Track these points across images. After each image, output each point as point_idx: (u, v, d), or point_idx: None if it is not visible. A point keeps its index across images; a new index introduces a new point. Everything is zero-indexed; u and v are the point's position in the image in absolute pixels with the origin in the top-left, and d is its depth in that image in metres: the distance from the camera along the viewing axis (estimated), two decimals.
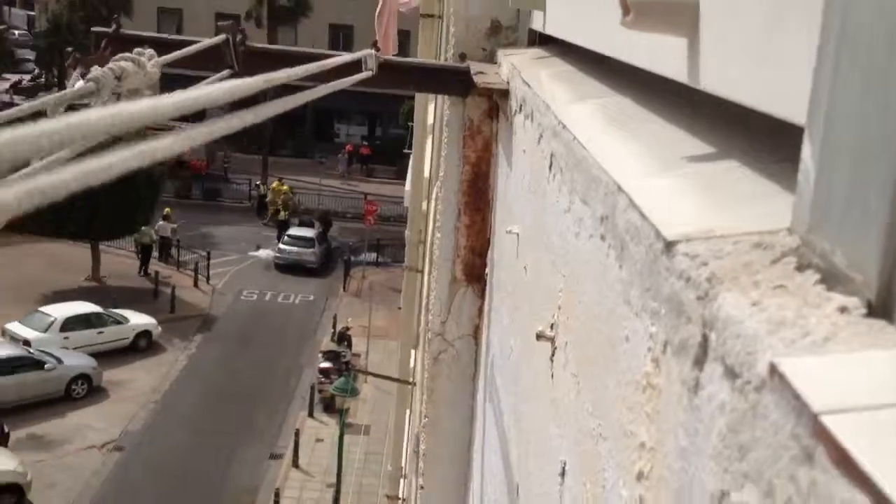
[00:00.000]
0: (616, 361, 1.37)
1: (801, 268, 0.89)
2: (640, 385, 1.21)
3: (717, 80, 1.39)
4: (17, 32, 74.59)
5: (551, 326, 2.00)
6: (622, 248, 1.36)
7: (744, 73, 1.28)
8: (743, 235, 1.03)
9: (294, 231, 38.88)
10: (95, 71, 1.87)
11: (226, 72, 3.18)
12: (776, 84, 1.15)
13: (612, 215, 1.44)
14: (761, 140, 1.39)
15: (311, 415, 26.10)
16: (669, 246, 1.10)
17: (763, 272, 0.92)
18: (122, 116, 0.74)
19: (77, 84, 2.53)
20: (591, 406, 1.56)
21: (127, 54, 2.09)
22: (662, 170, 1.46)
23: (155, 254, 35.72)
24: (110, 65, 1.95)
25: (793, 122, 1.05)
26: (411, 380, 11.92)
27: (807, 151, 0.90)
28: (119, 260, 34.98)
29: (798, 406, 0.66)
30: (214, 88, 1.05)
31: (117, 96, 2.21)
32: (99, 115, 0.71)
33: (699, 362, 0.95)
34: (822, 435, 0.63)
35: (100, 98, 1.87)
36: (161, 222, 35.46)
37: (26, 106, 1.71)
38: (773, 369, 0.72)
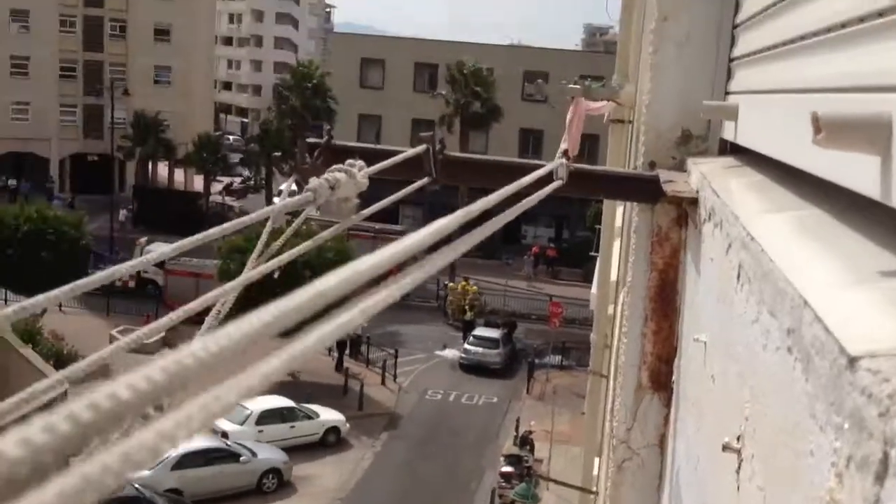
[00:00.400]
0: (801, 476, 1.37)
1: None
2: (824, 500, 1.21)
3: None
4: (231, 138, 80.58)
5: (738, 438, 1.99)
6: (808, 361, 1.38)
7: None
8: None
9: (479, 332, 39.30)
10: (314, 182, 2.06)
11: (426, 179, 3.38)
12: None
13: (799, 328, 1.46)
14: None
15: None
16: (853, 361, 1.12)
17: None
18: (353, 278, 0.87)
19: (290, 188, 2.78)
20: None
21: (340, 165, 2.29)
22: (850, 284, 1.47)
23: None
24: (326, 176, 2.15)
25: None
26: (594, 489, 11.67)
27: None
28: (312, 356, 36.30)
29: None
30: (419, 235, 1.17)
31: (327, 203, 2.42)
32: (336, 282, 0.83)
33: (880, 479, 0.96)
34: None
35: (315, 205, 2.07)
36: None
37: (255, 215, 1.92)
38: None
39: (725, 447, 2.01)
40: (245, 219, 2.07)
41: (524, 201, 2.49)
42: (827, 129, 1.51)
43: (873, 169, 1.54)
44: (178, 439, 0.59)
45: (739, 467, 1.96)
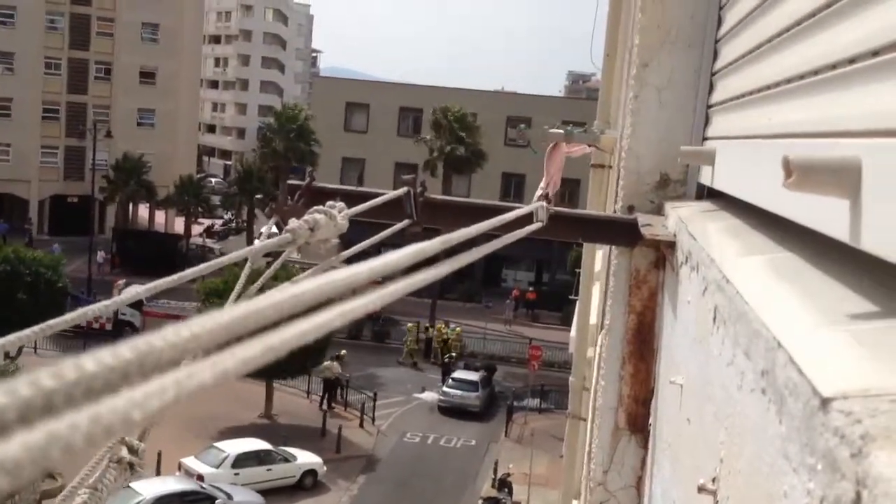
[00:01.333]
0: None
1: None
2: None
3: (877, 240, 1.43)
4: (214, 180, 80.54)
5: (713, 480, 1.99)
6: (782, 402, 1.38)
7: None
8: None
9: (458, 374, 39.19)
10: (293, 223, 2.07)
11: (406, 221, 3.39)
12: None
13: (773, 370, 1.47)
14: None
15: None
16: (825, 402, 1.12)
17: None
18: (305, 296, 0.87)
19: (271, 229, 2.78)
20: None
21: (320, 207, 2.30)
22: (824, 326, 1.48)
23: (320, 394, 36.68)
24: (306, 217, 2.15)
25: None
26: None
27: None
28: (289, 398, 36.06)
29: None
30: (398, 255, 1.18)
31: (307, 244, 2.42)
32: (286, 297, 0.84)
33: None
34: None
35: (294, 246, 2.07)
36: (329, 363, 36.35)
37: (234, 255, 1.92)
38: None
39: (701, 489, 2.01)
40: (222, 259, 2.07)
41: (504, 237, 2.50)
42: (797, 173, 1.54)
43: (843, 212, 1.56)
44: (151, 408, 0.59)
45: None
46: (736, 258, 2.29)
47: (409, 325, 44.10)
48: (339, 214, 2.56)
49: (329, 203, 2.62)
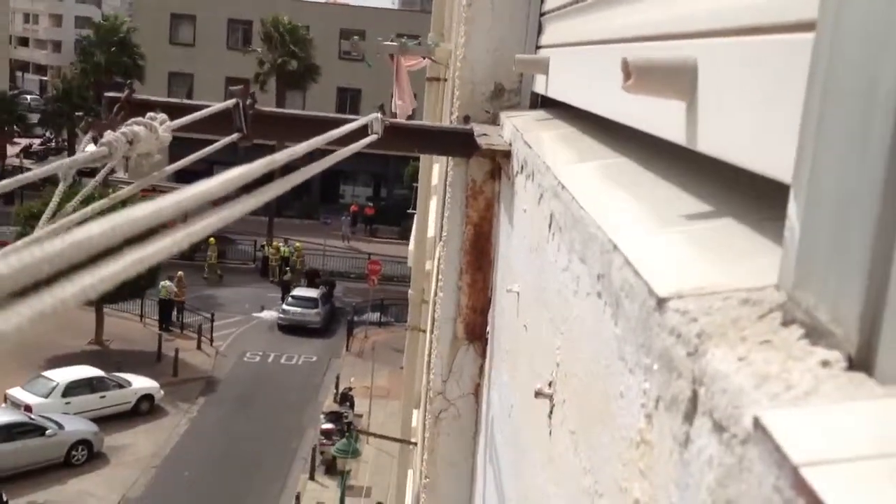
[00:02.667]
0: (612, 418, 1.38)
1: (786, 323, 0.91)
2: (634, 441, 1.22)
3: (712, 142, 1.43)
4: (29, 97, 75.58)
5: (550, 384, 2.01)
6: (617, 305, 1.38)
7: (737, 135, 1.32)
8: (732, 292, 1.05)
9: (298, 292, 38.96)
10: (108, 136, 1.91)
11: (235, 135, 3.23)
12: (766, 145, 1.18)
13: (609, 273, 1.46)
14: (759, 199, 1.42)
15: (312, 477, 25.85)
16: (661, 303, 1.12)
17: (750, 328, 0.94)
18: (123, 227, 0.76)
19: (89, 148, 2.59)
20: (588, 463, 1.56)
21: (139, 119, 2.14)
22: (658, 228, 1.48)
23: (155, 317, 35.81)
24: (123, 129, 1.99)
25: (782, 181, 1.08)
26: (413, 440, 11.84)
27: (792, 209, 0.93)
28: (122, 323, 34.98)
29: (779, 459, 0.68)
30: (220, 180, 1.07)
31: (127, 160, 2.25)
32: (101, 230, 0.73)
33: (689, 417, 0.96)
34: (802, 487, 0.64)
35: (112, 161, 1.91)
36: (167, 282, 35.43)
37: (41, 171, 1.75)
38: (757, 423, 0.74)
39: (538, 394, 2.03)
40: (29, 174, 1.89)
41: (338, 153, 2.40)
42: (636, 75, 1.52)
43: (679, 115, 1.56)
44: None
45: (551, 412, 1.98)
46: (571, 164, 2.29)
47: (275, 243, 43.43)
48: (160, 126, 2.39)
49: (149, 115, 2.44)
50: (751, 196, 1.45)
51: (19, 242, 1.86)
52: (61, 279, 0.64)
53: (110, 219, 0.74)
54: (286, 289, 40.15)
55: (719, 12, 1.45)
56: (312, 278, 41.67)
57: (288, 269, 42.38)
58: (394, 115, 10.79)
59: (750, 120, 1.26)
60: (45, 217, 2.20)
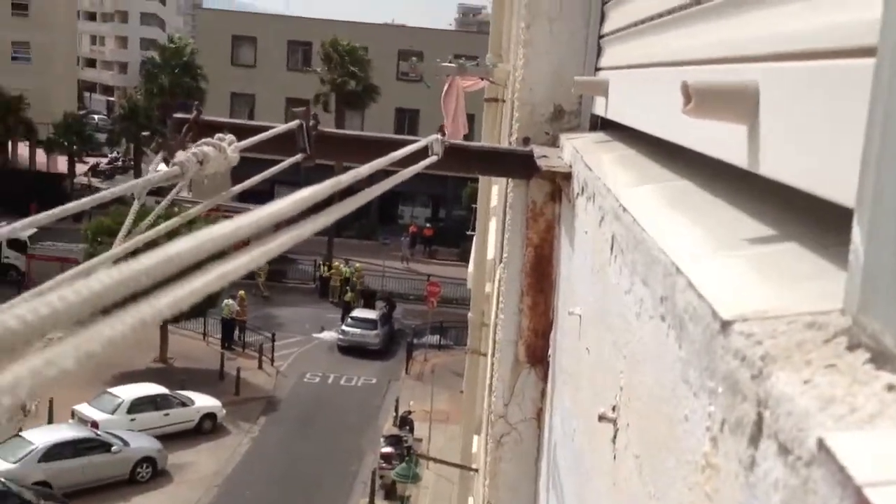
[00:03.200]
0: (676, 441, 1.39)
1: (851, 347, 0.92)
2: (700, 465, 1.22)
3: (774, 165, 1.43)
4: (96, 117, 77.53)
5: (613, 408, 2.01)
6: (681, 328, 1.39)
7: (799, 158, 1.32)
8: (797, 315, 1.05)
9: (357, 313, 39.17)
10: (180, 156, 1.97)
11: (299, 156, 3.30)
12: (829, 168, 1.18)
13: (672, 296, 1.47)
14: (823, 222, 1.42)
15: (371, 501, 25.81)
16: (725, 326, 1.12)
17: (815, 351, 0.94)
18: (207, 244, 0.80)
19: (160, 167, 2.66)
20: (653, 487, 1.56)
21: (209, 140, 2.20)
22: (720, 251, 1.49)
23: (218, 336, 36.30)
24: (194, 150, 2.05)
25: (845, 206, 1.08)
26: (473, 465, 11.80)
27: (856, 233, 0.93)
28: (186, 341, 35.53)
29: (843, 479, 0.69)
30: (287, 202, 1.12)
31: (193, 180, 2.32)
32: (188, 246, 0.77)
33: (754, 440, 0.97)
34: None
35: (183, 180, 1.98)
36: (230, 301, 35.89)
37: (117, 189, 1.82)
38: (821, 444, 0.75)
39: (601, 417, 2.03)
40: (104, 193, 1.96)
41: (399, 174, 2.44)
42: (696, 99, 1.52)
43: (740, 138, 1.57)
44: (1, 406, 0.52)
45: (615, 436, 1.99)
46: (632, 187, 2.30)
47: (336, 263, 43.97)
48: (228, 147, 2.46)
49: (218, 136, 2.51)
50: (815, 220, 1.45)
51: (99, 258, 1.93)
52: (154, 291, 0.69)
53: (195, 236, 0.79)
54: (347, 309, 40.42)
55: (781, 37, 1.46)
56: (369, 298, 41.94)
57: (348, 289, 42.68)
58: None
59: (812, 144, 1.27)
60: (121, 234, 2.27)
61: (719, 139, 1.71)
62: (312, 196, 1.24)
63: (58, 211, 1.76)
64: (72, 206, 1.80)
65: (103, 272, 0.69)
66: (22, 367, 0.55)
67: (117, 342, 0.62)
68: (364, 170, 1.92)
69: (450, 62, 13.63)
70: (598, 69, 4.06)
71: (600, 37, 4.07)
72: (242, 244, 0.95)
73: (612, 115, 3.39)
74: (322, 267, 45.51)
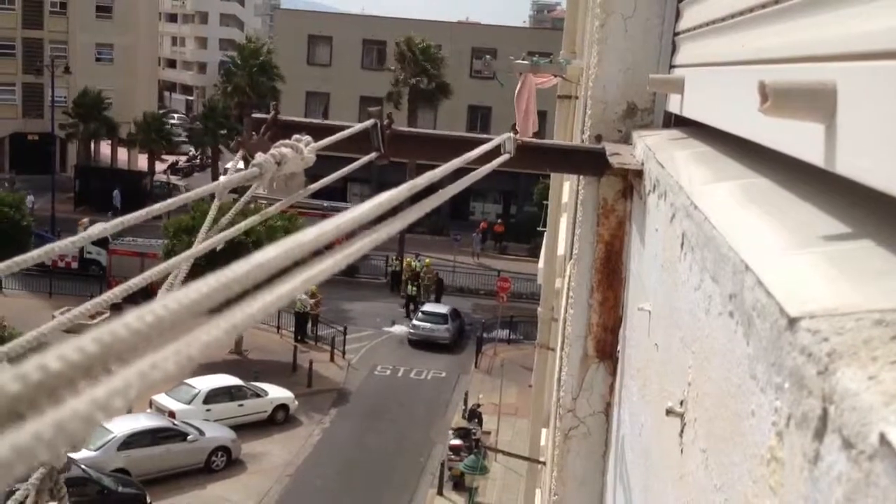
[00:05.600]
0: (742, 436, 1.40)
1: None
2: (765, 459, 1.24)
3: (851, 164, 1.43)
4: (176, 116, 79.26)
5: (681, 403, 2.02)
6: (749, 324, 1.40)
7: (876, 158, 1.32)
8: (866, 313, 1.06)
9: (428, 307, 39.42)
10: (259, 157, 2.04)
11: (373, 154, 3.36)
12: None
13: (740, 293, 1.48)
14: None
15: (440, 492, 26.00)
16: (792, 322, 1.14)
17: (882, 348, 0.96)
18: (294, 250, 0.85)
19: (238, 166, 2.75)
20: (719, 481, 1.58)
21: (287, 141, 2.27)
22: (791, 248, 1.49)
23: (291, 329, 36.83)
24: (272, 151, 2.12)
25: None
26: (541, 459, 11.81)
27: None
28: (260, 334, 36.13)
29: None
30: (366, 207, 1.16)
31: (272, 179, 2.39)
32: (276, 253, 0.81)
33: (819, 435, 0.99)
34: None
35: (262, 181, 2.05)
36: (303, 296, 36.47)
37: (200, 190, 1.89)
38: (883, 438, 0.77)
39: (669, 412, 2.05)
40: (189, 194, 2.04)
41: (472, 174, 2.48)
42: (773, 98, 1.53)
43: (818, 137, 1.57)
44: (114, 408, 0.57)
45: (683, 431, 2.00)
46: (704, 184, 2.30)
47: (408, 259, 44.38)
48: (305, 148, 2.53)
49: (295, 136, 2.58)
50: (891, 219, 1.45)
51: (183, 255, 2.01)
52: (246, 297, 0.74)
53: (282, 244, 0.84)
54: (410, 302, 40.71)
55: (859, 36, 1.46)
56: (439, 292, 42.23)
57: (409, 283, 42.83)
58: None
59: (888, 144, 1.27)
60: (201, 233, 2.36)
61: (797, 137, 1.71)
62: (392, 199, 1.28)
63: (143, 213, 1.84)
64: (157, 208, 1.88)
65: (201, 282, 0.74)
66: (130, 370, 0.60)
67: (213, 346, 0.67)
68: (439, 172, 1.96)
69: (523, 59, 13.60)
70: (672, 66, 4.04)
71: (675, 34, 4.05)
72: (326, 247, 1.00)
73: (688, 113, 3.38)
74: (393, 262, 45.82)
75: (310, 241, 0.90)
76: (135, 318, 0.65)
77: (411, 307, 41.28)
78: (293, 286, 0.80)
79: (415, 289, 42.41)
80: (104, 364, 0.61)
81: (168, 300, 0.70)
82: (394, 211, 1.32)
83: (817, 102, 1.52)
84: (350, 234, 1.14)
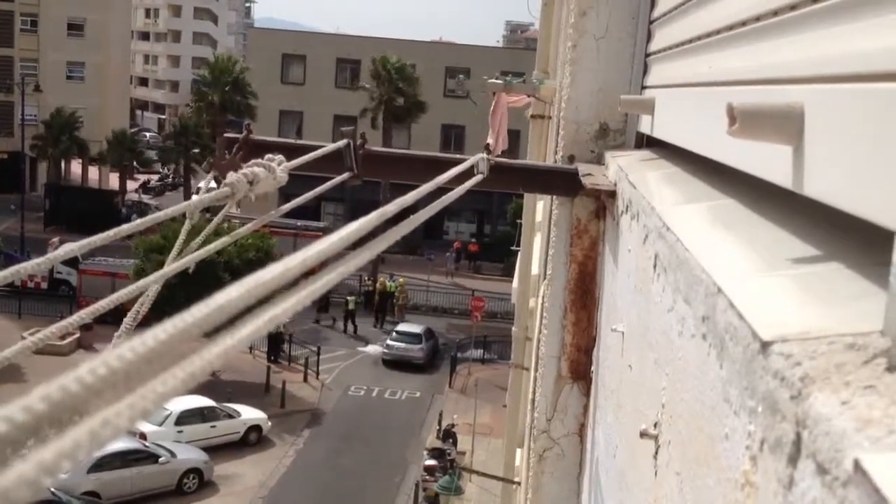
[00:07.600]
0: (717, 459, 1.40)
1: (891, 369, 0.93)
2: (739, 483, 1.23)
3: (819, 186, 1.44)
4: (148, 135, 78.82)
5: (655, 425, 2.02)
6: (722, 347, 1.40)
7: (843, 180, 1.33)
8: (837, 337, 1.06)
9: (402, 327, 39.33)
10: (231, 176, 2.02)
11: (346, 174, 3.35)
12: (872, 190, 1.19)
13: (713, 315, 1.48)
14: (867, 244, 1.42)
15: None
16: (765, 346, 1.14)
17: (854, 373, 0.95)
18: (257, 290, 0.83)
19: (209, 184, 2.73)
20: None
21: (259, 160, 2.25)
22: (763, 271, 1.50)
23: (264, 349, 36.57)
24: (244, 170, 2.10)
25: (888, 228, 1.09)
26: (516, 479, 11.77)
27: None
28: (232, 354, 35.77)
29: (878, 501, 0.70)
30: (334, 238, 1.13)
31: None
32: (238, 294, 0.79)
33: (793, 460, 0.98)
34: None
35: (233, 200, 2.03)
36: None
37: (170, 210, 1.87)
38: (857, 465, 0.76)
39: (643, 434, 2.04)
40: (159, 214, 2.02)
41: (445, 196, 2.47)
42: (741, 120, 1.54)
43: (785, 158, 1.58)
44: (61, 469, 0.54)
45: (657, 453, 1.99)
46: (676, 206, 2.31)
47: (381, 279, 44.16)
48: (278, 167, 2.51)
49: (268, 156, 2.57)
50: (858, 241, 1.45)
51: (154, 275, 1.99)
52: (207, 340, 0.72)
53: (243, 283, 0.81)
54: (349, 318, 40.94)
55: (827, 59, 1.47)
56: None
57: (351, 300, 42.31)
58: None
59: (856, 166, 1.28)
60: (173, 253, 2.34)
61: (765, 159, 1.72)
62: (360, 229, 1.26)
63: (112, 233, 1.82)
64: (127, 228, 1.86)
65: (159, 328, 0.71)
66: (79, 429, 0.57)
67: (169, 398, 0.64)
68: (410, 197, 1.95)
69: (496, 79, 13.66)
70: (644, 87, 4.07)
71: (647, 55, 4.08)
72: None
73: (658, 134, 3.40)
74: (367, 282, 45.70)
75: (274, 278, 0.88)
76: (87, 371, 0.62)
77: (348, 322, 41.23)
78: (256, 327, 0.78)
79: (358, 303, 42.18)
80: (52, 423, 0.58)
81: (123, 350, 0.67)
82: (364, 239, 1.30)
83: (785, 125, 1.52)
84: (322, 264, 1.12)
